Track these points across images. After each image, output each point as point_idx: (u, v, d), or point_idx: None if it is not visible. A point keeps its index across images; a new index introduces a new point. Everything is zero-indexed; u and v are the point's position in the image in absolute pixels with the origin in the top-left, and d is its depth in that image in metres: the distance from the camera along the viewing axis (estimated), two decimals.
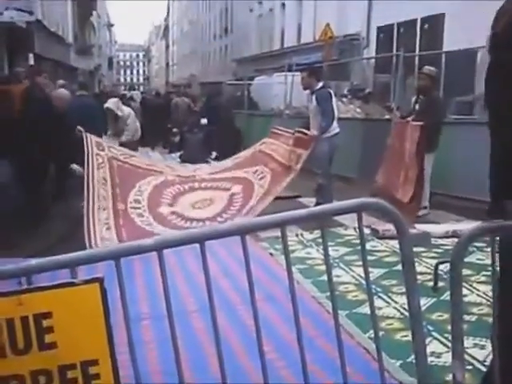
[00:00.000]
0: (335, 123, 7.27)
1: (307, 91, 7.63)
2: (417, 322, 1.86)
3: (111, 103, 8.83)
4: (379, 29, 19.23)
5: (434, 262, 4.49)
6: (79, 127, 6.69)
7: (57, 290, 1.57)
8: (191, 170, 7.85)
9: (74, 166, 6.65)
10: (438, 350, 3.15)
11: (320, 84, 7.39)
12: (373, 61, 17.56)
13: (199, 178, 7.40)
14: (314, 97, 7.28)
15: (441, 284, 3.94)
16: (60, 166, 6.37)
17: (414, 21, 16.68)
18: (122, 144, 8.62)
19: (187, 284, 4.26)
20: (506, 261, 1.81)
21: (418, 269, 4.54)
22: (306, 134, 7.12)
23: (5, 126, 5.72)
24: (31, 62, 9.09)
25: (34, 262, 1.59)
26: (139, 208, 6.38)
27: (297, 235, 5.89)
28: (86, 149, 6.54)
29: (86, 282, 1.58)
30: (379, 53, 18.15)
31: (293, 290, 1.84)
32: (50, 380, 1.59)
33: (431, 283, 4.08)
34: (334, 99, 7.49)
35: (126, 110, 9.28)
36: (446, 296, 3.85)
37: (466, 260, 4.51)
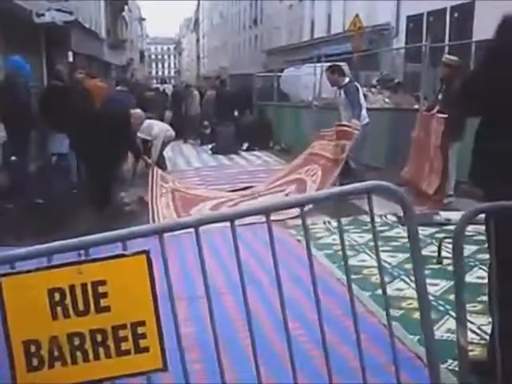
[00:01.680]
0: (365, 113, 7.75)
1: (334, 87, 8.17)
2: (422, 293, 2.04)
3: (144, 132, 9.36)
4: (409, 18, 19.17)
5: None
6: (145, 157, 7.90)
7: (110, 260, 1.86)
8: (250, 191, 8.21)
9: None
10: (454, 328, 3.35)
11: (347, 79, 7.96)
12: (403, 50, 17.55)
13: (257, 192, 7.85)
14: (342, 91, 7.81)
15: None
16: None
17: (444, 10, 16.61)
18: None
19: (218, 266, 4.55)
20: (501, 236, 2.03)
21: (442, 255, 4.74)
22: (348, 125, 7.42)
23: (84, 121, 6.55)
24: (70, 59, 9.49)
25: (91, 237, 1.88)
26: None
27: (324, 223, 6.12)
28: (150, 180, 7.53)
29: (135, 253, 1.86)
30: (409, 42, 18.11)
31: (311, 263, 2.08)
32: (105, 338, 1.87)
33: (450, 267, 4.31)
34: (361, 91, 8.01)
35: (156, 129, 9.83)
36: (465, 279, 4.05)
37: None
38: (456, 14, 16.33)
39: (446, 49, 11.32)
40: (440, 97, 7.15)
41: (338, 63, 9.19)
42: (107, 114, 6.57)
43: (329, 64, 8.86)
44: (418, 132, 7.42)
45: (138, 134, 9.39)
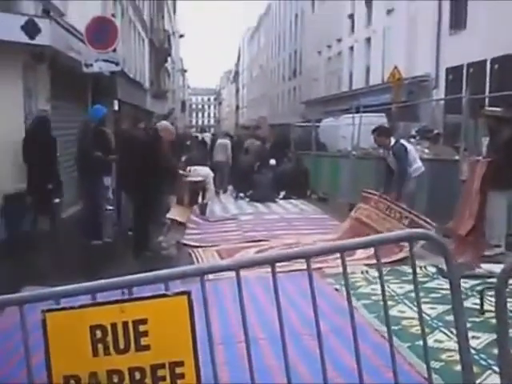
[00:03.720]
0: (420, 163, 8.12)
1: (381, 148, 8.56)
2: (464, 346, 2.00)
3: (192, 176, 9.99)
4: (448, 70, 19.24)
5: None
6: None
7: (152, 300, 1.90)
8: (294, 240, 8.15)
9: None
10: (498, 383, 3.23)
11: (393, 140, 8.18)
12: (442, 102, 17.56)
13: (302, 243, 7.72)
14: (391, 152, 8.04)
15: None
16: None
17: (484, 61, 16.63)
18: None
19: (256, 313, 4.51)
20: None
21: (485, 307, 4.60)
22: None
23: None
24: (116, 107, 9.88)
25: (134, 276, 1.93)
26: None
27: (362, 272, 6.03)
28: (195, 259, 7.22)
29: (177, 294, 1.89)
30: (449, 94, 18.11)
31: (351, 310, 2.06)
32: (143, 376, 1.90)
33: (493, 320, 4.18)
34: (409, 148, 8.26)
35: (202, 172, 10.43)
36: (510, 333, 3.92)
37: None
38: (496, 66, 16.31)
39: (487, 100, 11.30)
40: (485, 148, 7.13)
41: (383, 125, 9.31)
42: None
43: (374, 126, 8.96)
44: (467, 180, 7.37)
45: (188, 179, 9.95)
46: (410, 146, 8.49)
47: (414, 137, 13.59)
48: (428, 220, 7.10)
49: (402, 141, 8.57)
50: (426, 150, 11.72)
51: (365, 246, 2.01)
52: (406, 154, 7.97)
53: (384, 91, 20.51)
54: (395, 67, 18.30)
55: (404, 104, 16.29)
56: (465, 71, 17.93)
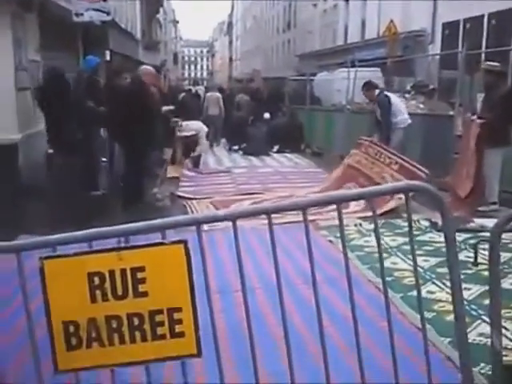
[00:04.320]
0: (406, 115, 8.27)
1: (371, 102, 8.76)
2: (457, 297, 2.02)
3: (185, 131, 10.31)
4: (444, 25, 18.95)
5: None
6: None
7: (150, 248, 1.90)
8: (288, 193, 8.14)
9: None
10: (487, 332, 3.30)
11: (377, 91, 8.36)
12: (438, 57, 17.37)
13: (296, 196, 7.72)
14: (377, 104, 8.26)
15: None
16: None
17: (481, 17, 16.38)
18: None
19: (251, 264, 4.56)
20: None
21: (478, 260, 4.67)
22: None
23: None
24: (107, 57, 9.70)
25: (131, 225, 1.93)
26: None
27: (355, 225, 6.08)
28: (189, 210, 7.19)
29: (173, 242, 1.90)
30: (445, 49, 17.90)
31: (346, 261, 2.08)
32: (141, 322, 1.92)
33: (486, 273, 4.25)
34: (394, 99, 8.36)
35: (194, 126, 10.67)
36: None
37: None
38: (494, 21, 16.08)
39: (483, 56, 11.18)
40: (480, 104, 7.07)
41: (371, 80, 9.22)
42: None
43: (363, 81, 8.99)
44: (463, 140, 7.36)
45: (182, 134, 10.31)
46: (394, 98, 8.61)
47: (408, 92, 13.50)
48: (419, 166, 7.11)
49: (386, 92, 8.69)
50: (421, 105, 11.66)
51: (361, 197, 2.01)
52: (389, 105, 8.11)
53: (379, 45, 20.22)
54: (391, 21, 18.02)
55: (399, 58, 16.12)
56: (461, 26, 17.66)
